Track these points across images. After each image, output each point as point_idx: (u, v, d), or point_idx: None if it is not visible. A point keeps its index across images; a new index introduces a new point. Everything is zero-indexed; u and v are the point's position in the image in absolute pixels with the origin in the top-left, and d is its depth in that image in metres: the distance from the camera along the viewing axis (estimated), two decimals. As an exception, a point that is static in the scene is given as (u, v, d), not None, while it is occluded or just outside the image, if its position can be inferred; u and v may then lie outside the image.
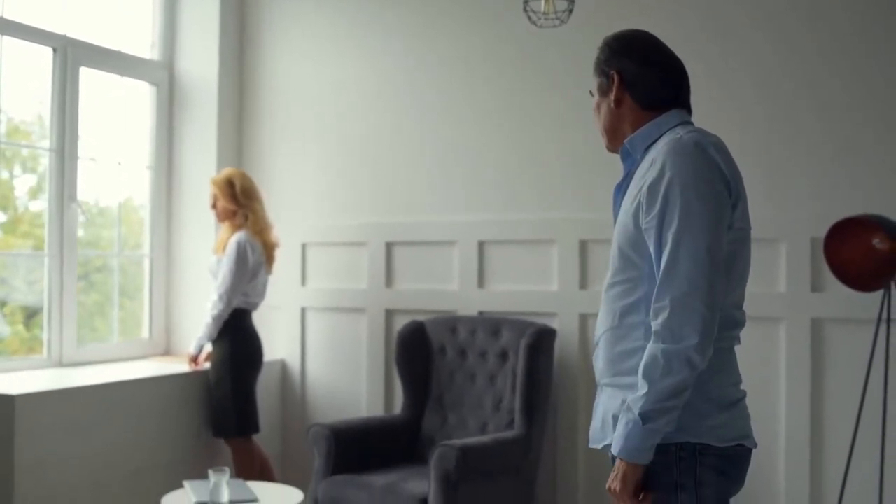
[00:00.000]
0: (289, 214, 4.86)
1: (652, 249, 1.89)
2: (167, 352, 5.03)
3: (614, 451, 1.87)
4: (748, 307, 3.86)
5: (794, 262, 3.94)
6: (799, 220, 3.94)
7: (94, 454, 3.91)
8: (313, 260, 4.96)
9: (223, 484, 3.41)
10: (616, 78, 2.05)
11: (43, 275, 4.41)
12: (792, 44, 3.99)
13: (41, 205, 4.55)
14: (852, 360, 3.80)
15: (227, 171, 4.53)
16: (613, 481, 1.88)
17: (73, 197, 4.46)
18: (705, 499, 1.88)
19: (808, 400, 3.91)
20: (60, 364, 4.40)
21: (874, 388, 3.62)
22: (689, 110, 2.08)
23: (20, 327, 4.48)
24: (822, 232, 3.69)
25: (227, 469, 3.45)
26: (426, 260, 4.68)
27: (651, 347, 1.83)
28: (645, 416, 1.81)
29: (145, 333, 4.99)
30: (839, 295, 3.81)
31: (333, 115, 4.95)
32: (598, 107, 2.11)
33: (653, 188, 1.86)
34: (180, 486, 3.79)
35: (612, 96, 2.06)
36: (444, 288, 4.65)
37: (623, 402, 1.89)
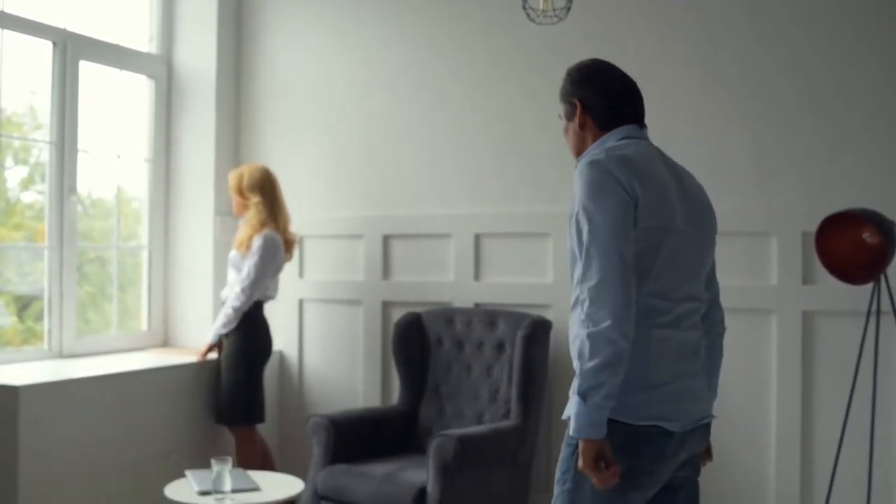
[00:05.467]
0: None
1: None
2: (165, 343, 5.05)
3: (569, 432, 2.09)
4: (740, 300, 3.97)
5: (785, 256, 3.99)
6: (790, 214, 3.99)
7: (96, 444, 3.94)
8: (311, 252, 4.99)
9: (225, 473, 3.45)
10: (579, 105, 2.33)
11: (36, 266, 4.43)
12: (782, 38, 4.05)
13: (33, 196, 4.57)
14: (843, 352, 3.86)
15: (248, 164, 4.64)
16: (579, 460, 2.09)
17: (72, 189, 4.48)
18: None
19: (799, 391, 3.96)
20: (61, 355, 4.42)
21: (864, 379, 3.68)
22: (641, 124, 2.35)
23: (14, 318, 4.51)
24: (813, 226, 3.73)
25: (229, 458, 3.49)
26: (423, 252, 4.72)
27: (580, 334, 2.07)
28: (583, 395, 2.02)
29: (143, 325, 5.01)
30: (830, 288, 3.87)
31: (331, 109, 4.97)
32: (567, 130, 2.38)
33: (571, 214, 2.17)
34: (182, 475, 3.82)
35: (576, 121, 2.33)
36: (441, 280, 4.69)
37: None
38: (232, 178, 4.53)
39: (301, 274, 5.01)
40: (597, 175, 2.12)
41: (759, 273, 4.05)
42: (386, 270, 4.81)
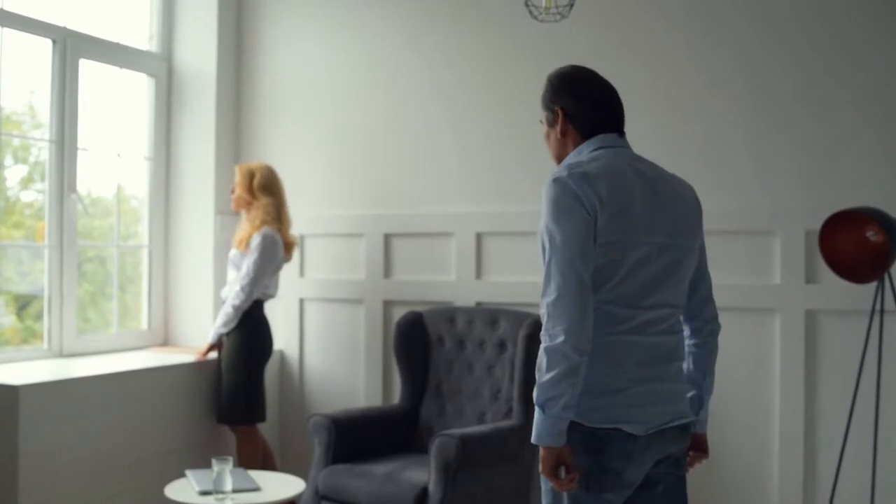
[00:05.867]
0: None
1: None
2: (165, 342, 5.04)
3: (532, 439, 2.18)
4: (743, 299, 3.97)
5: (788, 254, 3.98)
6: (793, 212, 3.97)
7: (96, 444, 3.93)
8: (312, 251, 4.98)
9: (226, 473, 3.44)
10: (560, 113, 2.36)
11: (35, 265, 4.42)
12: (784, 34, 4.03)
13: (33, 195, 4.55)
14: (846, 351, 3.85)
15: (255, 162, 4.62)
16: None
17: (72, 188, 4.47)
18: (576, 464, 2.16)
19: (803, 391, 3.95)
20: (61, 354, 4.41)
21: (868, 379, 3.67)
22: (620, 132, 2.37)
23: (14, 318, 4.49)
24: (816, 224, 3.73)
25: (230, 458, 3.47)
26: (424, 251, 4.70)
27: (540, 348, 2.16)
28: (542, 406, 2.12)
29: (144, 324, 5.00)
30: (833, 286, 3.86)
31: (332, 107, 4.95)
32: (548, 136, 2.42)
33: (539, 230, 2.24)
34: (182, 475, 3.81)
35: (558, 128, 2.37)
36: (442, 279, 4.68)
37: None
38: (241, 173, 4.49)
39: (302, 273, 4.99)
40: (558, 193, 2.18)
41: (762, 272, 4.03)
42: (387, 269, 4.79)
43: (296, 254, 4.84)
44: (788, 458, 3.97)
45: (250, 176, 4.47)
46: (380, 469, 3.93)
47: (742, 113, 4.09)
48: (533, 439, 2.16)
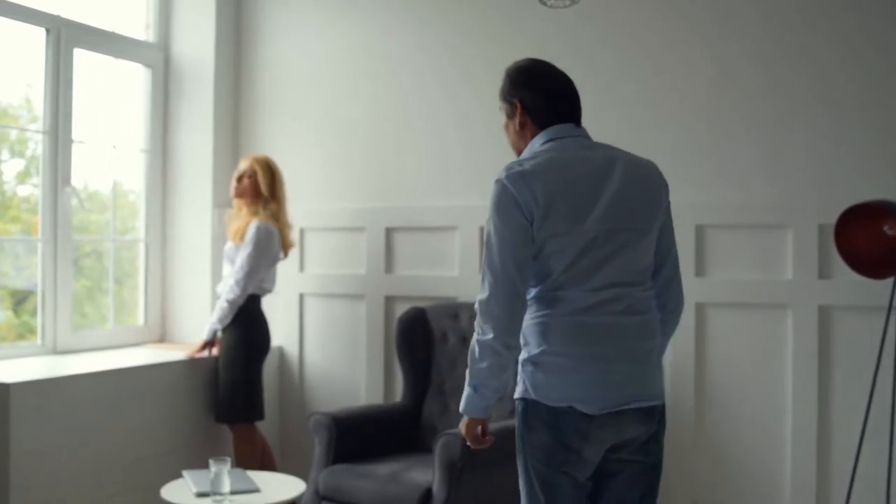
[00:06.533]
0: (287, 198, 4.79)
1: None
2: (162, 338, 4.97)
3: (460, 409, 2.43)
4: (754, 295, 3.93)
5: (801, 249, 3.89)
6: (806, 206, 3.89)
7: (91, 443, 3.86)
8: (311, 245, 4.90)
9: (224, 474, 3.35)
10: (519, 105, 2.46)
11: (32, 260, 4.35)
12: (796, 26, 3.94)
13: (30, 189, 4.48)
14: (861, 348, 3.77)
15: (265, 155, 4.51)
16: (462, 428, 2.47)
17: (66, 180, 4.38)
18: (538, 441, 2.35)
19: (816, 389, 3.87)
20: (55, 351, 4.34)
21: (884, 376, 3.58)
22: (577, 123, 2.46)
23: (10, 313, 4.41)
24: (830, 218, 3.67)
25: (227, 458, 3.39)
26: (427, 245, 4.62)
27: (473, 337, 2.37)
28: (473, 386, 2.37)
29: (140, 320, 4.93)
30: (847, 282, 3.78)
31: (332, 98, 4.88)
32: (507, 127, 2.53)
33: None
34: (179, 475, 3.73)
35: (516, 120, 2.47)
36: (446, 274, 4.59)
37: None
38: (260, 166, 4.36)
39: (301, 268, 4.91)
40: (497, 195, 2.31)
41: (774, 267, 3.95)
42: (389, 264, 4.71)
43: (295, 248, 4.78)
44: (801, 459, 3.89)
45: (272, 172, 4.38)
46: (382, 469, 3.85)
47: (752, 104, 4.00)
48: (461, 410, 2.40)
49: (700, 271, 4.05)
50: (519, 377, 2.39)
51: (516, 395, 2.40)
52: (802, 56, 3.93)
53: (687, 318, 3.95)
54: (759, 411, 3.97)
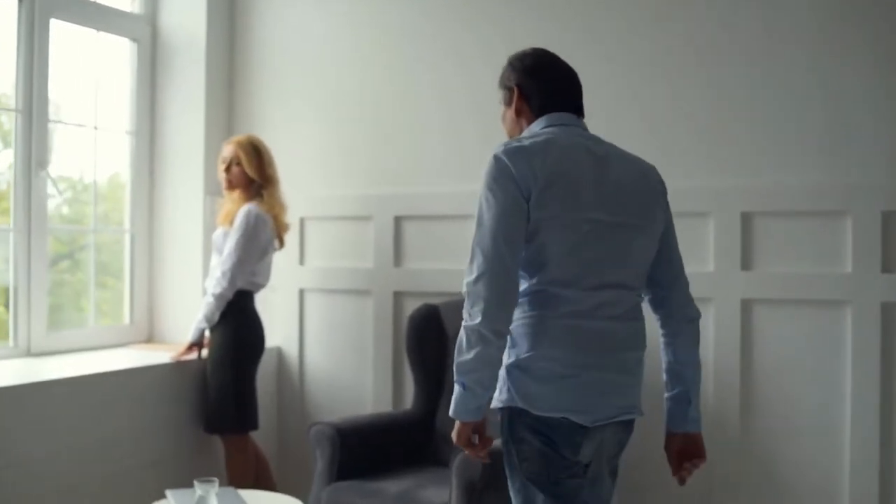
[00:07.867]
0: (284, 184, 4.55)
1: None
2: (150, 339, 4.71)
3: (450, 412, 2.28)
4: (810, 290, 3.66)
5: (861, 239, 3.61)
6: (868, 190, 3.60)
7: (68, 455, 3.60)
8: (312, 236, 4.65)
9: (211, 497, 2.96)
10: (517, 91, 2.45)
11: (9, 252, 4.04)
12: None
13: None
14: (932, 349, 3.47)
15: (248, 135, 4.24)
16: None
17: (42, 164, 4.06)
18: (528, 452, 2.27)
19: (878, 391, 3.59)
20: (28, 353, 4.05)
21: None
22: (578, 114, 2.45)
23: (1, 308, 4.11)
24: (895, 205, 3.45)
25: (215, 480, 3.01)
26: (439, 236, 4.36)
27: (461, 326, 2.24)
28: (461, 384, 2.22)
29: (126, 318, 4.66)
30: (916, 276, 3.50)
31: (334, 74, 4.63)
32: (504, 115, 2.52)
33: None
34: (163, 493, 3.41)
35: (513, 106, 2.47)
36: (460, 267, 4.21)
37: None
38: (245, 148, 4.09)
39: (302, 260, 4.66)
40: (493, 171, 2.25)
41: (832, 259, 3.67)
42: (398, 256, 4.46)
43: (295, 239, 4.55)
44: (861, 470, 3.59)
45: (257, 151, 4.11)
46: (392, 487, 3.55)
47: (810, 75, 3.70)
48: (451, 413, 2.25)
49: (747, 264, 3.77)
50: (501, 383, 2.28)
51: (498, 404, 2.30)
52: (865, 24, 3.62)
53: (732, 316, 3.78)
54: (814, 419, 3.70)
